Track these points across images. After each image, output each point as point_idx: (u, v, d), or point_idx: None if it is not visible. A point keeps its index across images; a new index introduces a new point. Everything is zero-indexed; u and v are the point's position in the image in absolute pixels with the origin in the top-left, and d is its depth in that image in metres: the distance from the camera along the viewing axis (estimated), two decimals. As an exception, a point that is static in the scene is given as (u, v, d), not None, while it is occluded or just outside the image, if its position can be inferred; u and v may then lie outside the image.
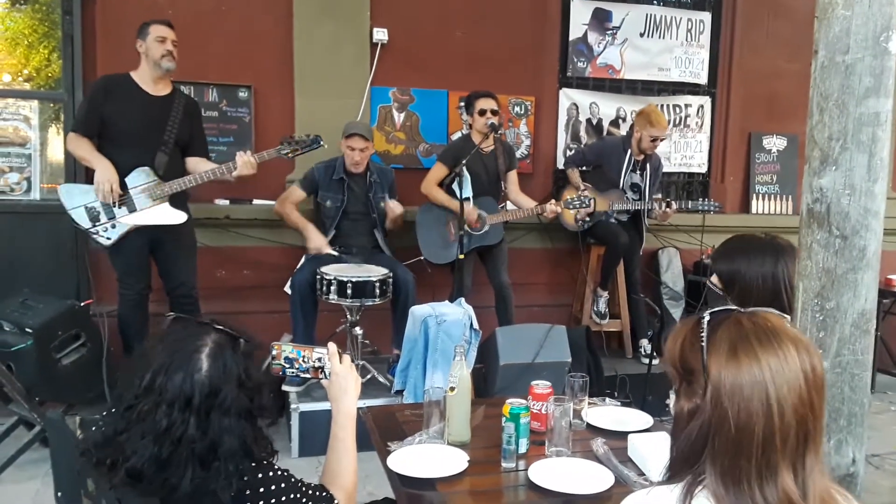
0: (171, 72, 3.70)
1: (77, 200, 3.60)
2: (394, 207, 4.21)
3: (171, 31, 3.67)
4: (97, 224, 3.60)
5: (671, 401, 1.13)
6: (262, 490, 1.41)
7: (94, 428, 1.41)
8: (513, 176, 4.62)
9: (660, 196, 5.11)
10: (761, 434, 0.99)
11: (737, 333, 1.04)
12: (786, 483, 0.98)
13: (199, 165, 3.80)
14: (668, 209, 4.69)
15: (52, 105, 4.50)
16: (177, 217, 3.66)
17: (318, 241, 4.11)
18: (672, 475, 1.08)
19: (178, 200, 3.71)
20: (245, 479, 1.38)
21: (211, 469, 1.30)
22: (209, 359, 1.34)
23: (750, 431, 0.99)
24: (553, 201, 4.41)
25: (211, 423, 1.31)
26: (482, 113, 4.29)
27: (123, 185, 3.58)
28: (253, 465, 1.39)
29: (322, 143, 3.81)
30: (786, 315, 1.12)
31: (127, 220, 3.59)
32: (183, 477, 1.29)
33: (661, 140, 4.75)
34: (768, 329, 1.04)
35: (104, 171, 3.53)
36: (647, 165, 4.83)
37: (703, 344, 1.05)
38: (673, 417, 1.12)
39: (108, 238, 3.62)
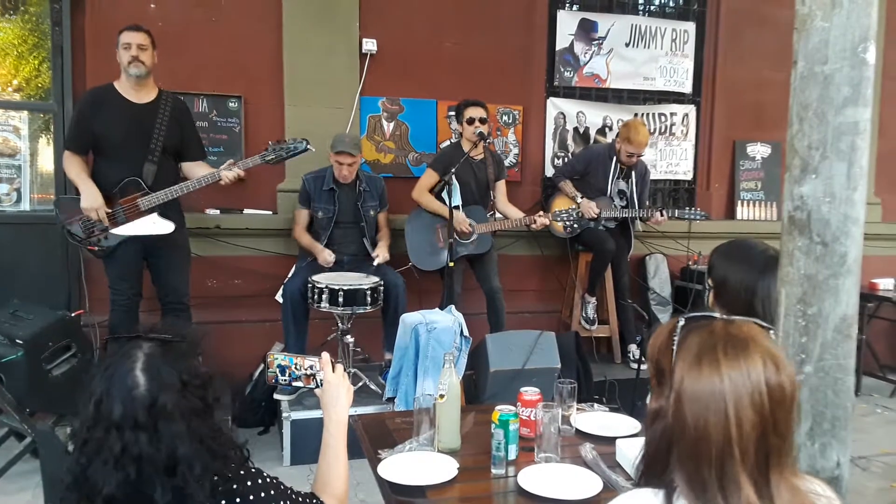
0: (143, 77, 3.61)
1: (72, 213, 3.62)
2: (381, 258, 4.21)
3: (137, 35, 3.58)
4: (91, 236, 3.62)
5: (648, 400, 1.15)
6: (251, 497, 1.41)
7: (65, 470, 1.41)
8: (501, 186, 4.65)
9: (648, 203, 5.17)
10: (720, 443, 0.99)
11: (705, 341, 1.05)
12: (748, 497, 0.98)
13: (194, 170, 3.78)
14: (660, 217, 4.73)
15: (42, 115, 4.49)
16: (165, 227, 3.65)
17: (323, 256, 4.14)
18: (641, 475, 1.10)
19: (170, 209, 3.70)
20: (235, 486, 1.39)
21: (178, 474, 1.30)
22: (143, 373, 1.33)
23: (707, 440, 0.99)
24: (541, 213, 4.44)
25: (161, 433, 1.30)
26: (470, 122, 4.33)
27: (115, 196, 3.59)
28: (223, 459, 1.38)
29: (309, 146, 3.75)
30: (770, 327, 1.13)
31: (118, 232, 3.61)
32: (155, 491, 1.30)
33: (639, 157, 4.80)
34: (738, 340, 1.04)
35: (87, 198, 3.55)
36: (634, 173, 4.88)
37: (674, 347, 1.06)
38: (646, 415, 1.14)
39: (102, 248, 3.65)
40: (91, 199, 3.54)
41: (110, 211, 3.58)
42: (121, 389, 1.32)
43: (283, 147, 3.72)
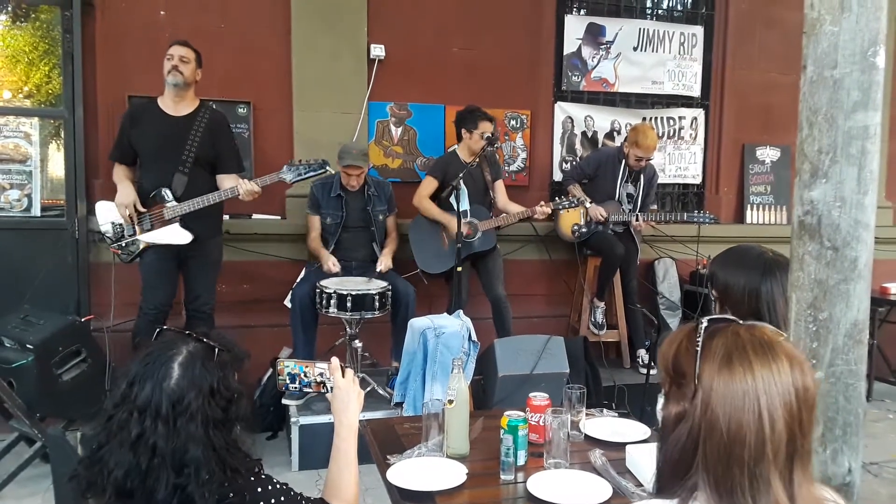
0: (181, 88, 3.74)
1: (107, 217, 3.75)
2: (385, 264, 4.23)
3: (181, 48, 3.76)
4: (121, 240, 3.72)
5: (659, 406, 1.14)
6: (262, 504, 1.42)
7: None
8: (500, 185, 4.66)
9: (655, 207, 5.16)
10: (753, 443, 0.99)
11: (734, 343, 1.05)
12: (778, 495, 0.99)
13: (222, 182, 3.83)
14: (635, 221, 4.75)
15: (52, 122, 4.52)
16: (183, 237, 3.70)
17: (328, 264, 4.13)
18: (662, 483, 1.09)
19: (200, 219, 3.73)
20: (237, 484, 1.39)
21: (183, 475, 1.32)
22: (180, 367, 1.37)
23: (741, 440, 0.99)
24: (542, 202, 4.42)
25: (179, 430, 1.33)
26: (485, 138, 4.33)
27: (147, 204, 3.71)
28: (233, 473, 1.39)
29: (328, 168, 3.80)
30: (783, 334, 1.13)
31: (142, 238, 3.70)
32: (158, 483, 1.31)
33: (648, 161, 4.79)
34: (764, 342, 1.05)
35: (120, 195, 3.71)
36: (642, 176, 4.88)
37: (698, 349, 1.06)
38: (660, 423, 1.12)
39: (128, 253, 3.75)
40: (123, 196, 3.70)
41: (141, 212, 3.69)
42: (154, 376, 1.35)
43: (303, 167, 3.75)
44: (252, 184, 3.70)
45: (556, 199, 4.50)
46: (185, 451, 1.32)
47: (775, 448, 0.99)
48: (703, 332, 1.07)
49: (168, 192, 3.68)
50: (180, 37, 3.92)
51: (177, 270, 3.84)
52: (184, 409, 1.33)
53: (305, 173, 3.75)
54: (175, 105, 3.79)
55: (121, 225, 3.72)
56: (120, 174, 3.80)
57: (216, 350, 1.43)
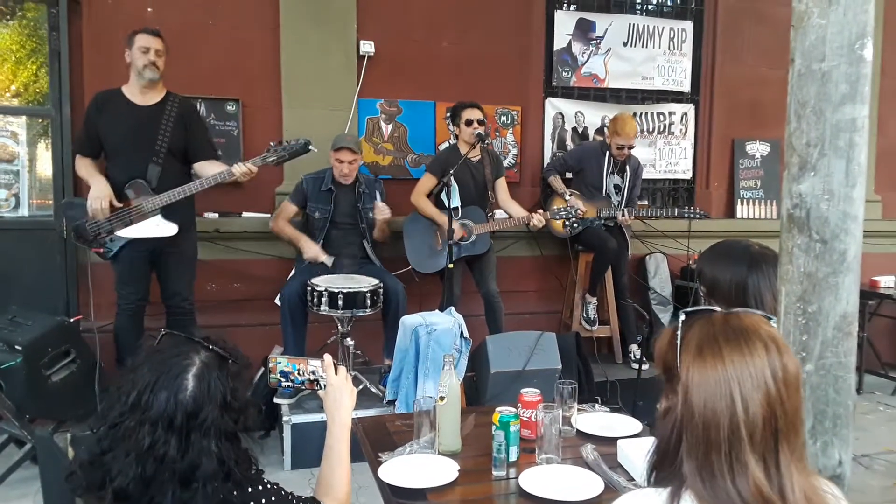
0: (156, 81, 3.66)
1: (79, 215, 3.62)
2: (382, 209, 4.18)
3: (156, 40, 3.64)
4: (98, 238, 3.62)
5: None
6: (252, 504, 1.41)
7: (83, 447, 1.40)
8: (502, 183, 4.64)
9: (646, 202, 5.18)
10: (727, 427, 1.01)
11: (706, 332, 1.07)
12: (756, 476, 1.00)
13: (206, 169, 3.74)
14: (621, 217, 4.77)
15: (40, 121, 4.48)
16: (169, 229, 3.64)
17: (312, 251, 4.12)
18: (653, 474, 1.10)
19: (181, 211, 3.68)
20: (234, 493, 1.37)
21: (190, 489, 1.30)
22: (195, 379, 1.34)
23: (716, 425, 1.01)
24: (540, 211, 4.43)
25: (191, 443, 1.30)
26: (469, 123, 4.32)
27: (123, 198, 3.60)
28: (235, 485, 1.37)
29: (311, 147, 3.70)
30: (770, 316, 1.13)
31: (122, 234, 3.61)
32: (165, 496, 1.29)
33: (630, 148, 4.80)
34: (739, 329, 1.06)
35: (94, 189, 3.57)
36: (627, 167, 4.89)
37: (678, 342, 1.08)
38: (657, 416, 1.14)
39: (108, 251, 3.66)
40: (97, 190, 3.56)
41: (117, 206, 3.58)
42: (168, 387, 1.32)
43: (285, 148, 3.68)
44: (248, 165, 3.60)
45: (554, 208, 4.50)
46: (196, 465, 1.29)
47: (750, 430, 1.01)
48: (681, 325, 1.09)
49: (145, 183, 3.59)
50: (168, 34, 3.87)
51: (150, 265, 3.76)
52: (199, 423, 1.31)
53: (290, 154, 3.66)
54: (143, 95, 3.67)
55: (96, 223, 3.58)
56: (87, 167, 3.67)
57: (227, 360, 1.41)
